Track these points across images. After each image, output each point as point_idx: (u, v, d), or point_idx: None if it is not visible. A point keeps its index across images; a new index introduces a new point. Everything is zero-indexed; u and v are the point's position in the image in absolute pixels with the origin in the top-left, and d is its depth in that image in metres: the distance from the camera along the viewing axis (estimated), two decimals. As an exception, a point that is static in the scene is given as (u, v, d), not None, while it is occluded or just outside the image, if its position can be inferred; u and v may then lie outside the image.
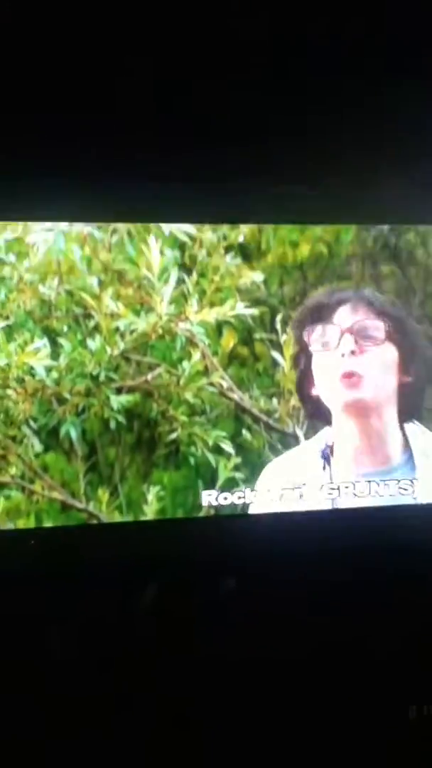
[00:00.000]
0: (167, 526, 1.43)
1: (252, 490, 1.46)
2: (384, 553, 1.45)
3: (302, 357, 1.48)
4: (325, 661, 1.39)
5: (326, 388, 1.47)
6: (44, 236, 1.37)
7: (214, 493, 1.44)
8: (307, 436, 1.48)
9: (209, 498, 1.43)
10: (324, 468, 1.49)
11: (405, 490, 1.51)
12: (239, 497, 1.45)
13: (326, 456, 1.49)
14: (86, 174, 1.36)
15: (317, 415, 1.48)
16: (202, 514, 1.43)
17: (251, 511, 1.46)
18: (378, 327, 1.48)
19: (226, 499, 1.44)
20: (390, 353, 1.48)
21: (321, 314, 1.48)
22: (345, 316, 1.48)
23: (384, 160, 1.50)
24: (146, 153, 1.39)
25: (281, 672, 1.37)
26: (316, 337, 1.47)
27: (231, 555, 1.45)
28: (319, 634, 1.40)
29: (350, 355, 1.45)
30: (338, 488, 1.50)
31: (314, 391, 1.47)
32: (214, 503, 1.44)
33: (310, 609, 1.42)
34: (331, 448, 1.49)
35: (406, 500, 1.52)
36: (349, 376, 1.45)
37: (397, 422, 1.50)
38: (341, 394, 1.46)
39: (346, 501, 1.50)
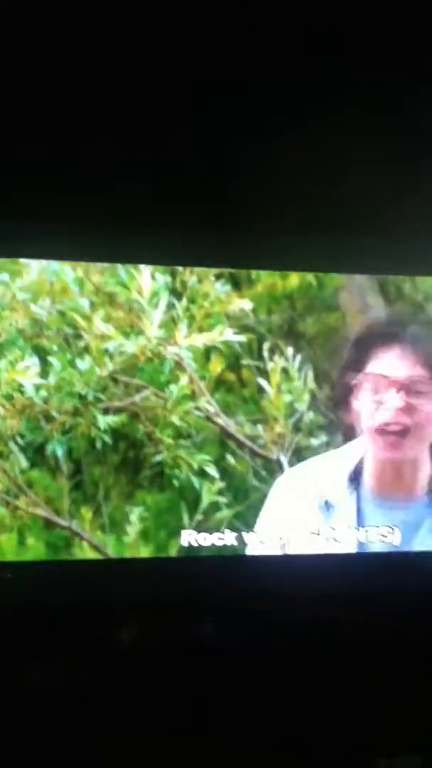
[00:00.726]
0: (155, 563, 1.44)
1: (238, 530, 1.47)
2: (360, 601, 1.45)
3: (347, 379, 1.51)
4: (296, 708, 1.39)
5: (365, 421, 1.51)
6: (38, 257, 1.41)
7: (193, 533, 1.44)
8: (291, 463, 1.50)
9: (189, 538, 1.44)
10: (352, 489, 1.51)
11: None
12: (219, 538, 1.46)
13: (358, 472, 1.51)
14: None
15: (347, 433, 1.51)
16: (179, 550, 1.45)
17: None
18: (427, 381, 1.50)
19: (205, 539, 1.45)
20: None
21: (368, 352, 1.52)
22: (393, 363, 1.50)
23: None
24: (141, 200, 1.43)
25: (249, 720, 1.36)
26: (361, 380, 1.50)
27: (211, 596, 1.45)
28: (287, 682, 1.40)
29: (397, 410, 1.48)
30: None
31: (348, 419, 1.51)
32: (195, 544, 1.44)
33: (282, 655, 1.42)
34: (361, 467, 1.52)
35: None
36: (391, 433, 1.49)
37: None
38: (379, 442, 1.50)
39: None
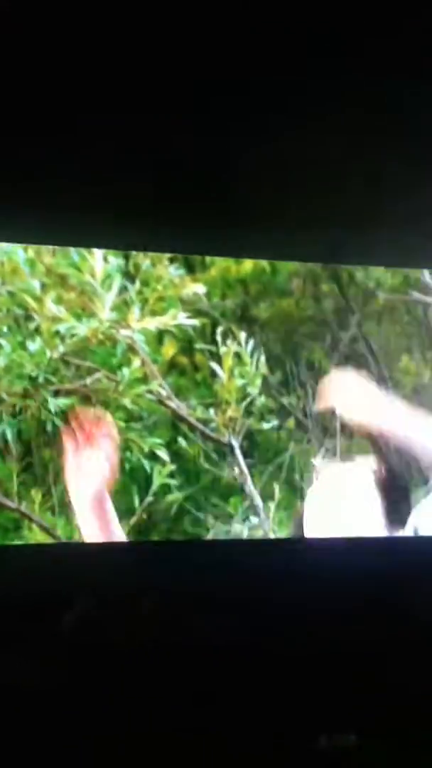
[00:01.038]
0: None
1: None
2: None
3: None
4: (234, 686, 1.39)
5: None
6: (-12, 237, 1.39)
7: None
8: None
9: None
10: None
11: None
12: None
13: None
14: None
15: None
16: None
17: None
18: None
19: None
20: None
21: None
22: None
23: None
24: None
25: (187, 698, 1.37)
26: None
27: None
28: (230, 658, 1.41)
29: None
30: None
31: None
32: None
33: (225, 634, 1.44)
34: None
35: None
36: None
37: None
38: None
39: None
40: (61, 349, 1.41)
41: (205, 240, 1.50)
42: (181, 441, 1.48)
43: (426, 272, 1.65)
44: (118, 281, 1.44)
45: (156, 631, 1.43)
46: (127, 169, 1.41)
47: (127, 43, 1.32)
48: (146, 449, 1.45)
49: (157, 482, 1.46)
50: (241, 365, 1.52)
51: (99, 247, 1.43)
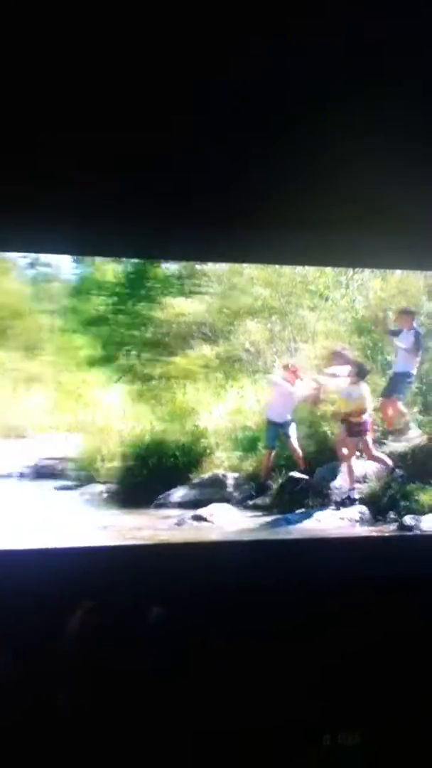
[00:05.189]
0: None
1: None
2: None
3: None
4: (240, 687, 1.41)
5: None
6: None
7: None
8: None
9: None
10: None
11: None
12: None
13: None
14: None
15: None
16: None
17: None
18: None
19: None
20: None
21: None
22: None
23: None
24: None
25: (200, 695, 1.39)
26: None
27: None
28: (234, 660, 1.42)
29: None
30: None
31: None
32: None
33: (227, 635, 1.44)
34: None
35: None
36: None
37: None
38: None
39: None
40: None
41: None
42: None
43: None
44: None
45: (157, 632, 1.44)
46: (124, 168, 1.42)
47: (127, 41, 1.30)
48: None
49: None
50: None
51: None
